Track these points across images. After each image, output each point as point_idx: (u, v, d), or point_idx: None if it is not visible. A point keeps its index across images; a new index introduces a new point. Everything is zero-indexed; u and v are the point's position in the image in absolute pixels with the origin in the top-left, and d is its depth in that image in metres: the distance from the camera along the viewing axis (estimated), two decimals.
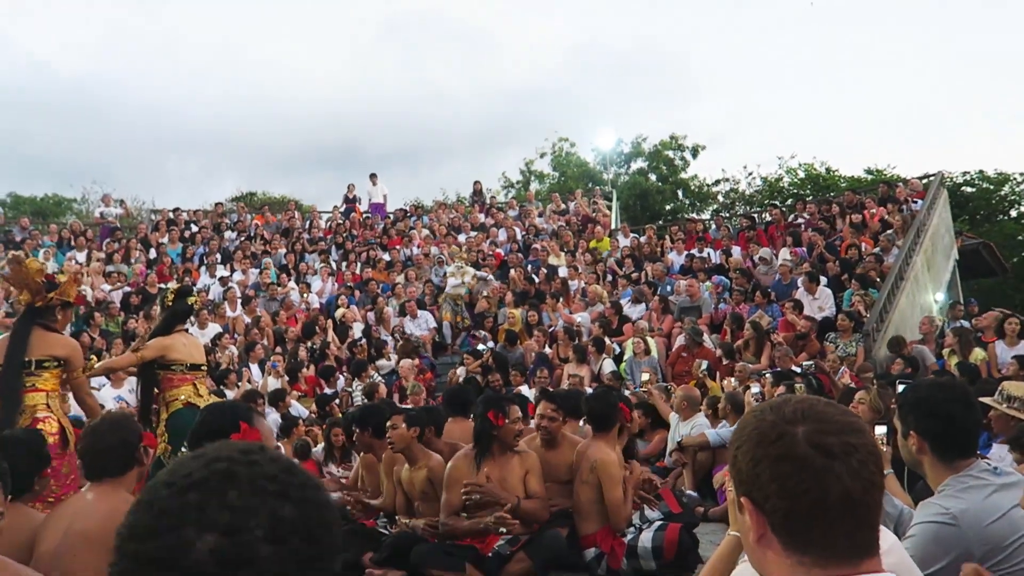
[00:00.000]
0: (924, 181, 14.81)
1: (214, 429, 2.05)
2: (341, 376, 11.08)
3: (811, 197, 20.01)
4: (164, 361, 5.39)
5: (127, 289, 14.07)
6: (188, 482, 0.84)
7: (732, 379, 8.41)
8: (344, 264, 16.06)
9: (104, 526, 2.52)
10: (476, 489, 4.42)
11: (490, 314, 12.71)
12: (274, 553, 0.80)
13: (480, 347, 11.29)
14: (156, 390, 5.43)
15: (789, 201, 16.46)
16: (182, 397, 5.29)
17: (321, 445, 7.90)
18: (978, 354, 8.55)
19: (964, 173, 26.36)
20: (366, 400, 9.27)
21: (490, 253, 15.44)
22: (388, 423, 5.02)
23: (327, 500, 0.89)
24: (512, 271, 14.03)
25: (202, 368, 5.56)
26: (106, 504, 2.64)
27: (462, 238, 16.82)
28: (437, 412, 5.88)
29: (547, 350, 11.16)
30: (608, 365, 10.38)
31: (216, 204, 20.20)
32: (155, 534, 0.81)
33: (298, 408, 9.86)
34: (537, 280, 13.60)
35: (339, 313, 13.19)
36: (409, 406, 7.57)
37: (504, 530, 4.32)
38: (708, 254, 13.72)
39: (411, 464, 4.99)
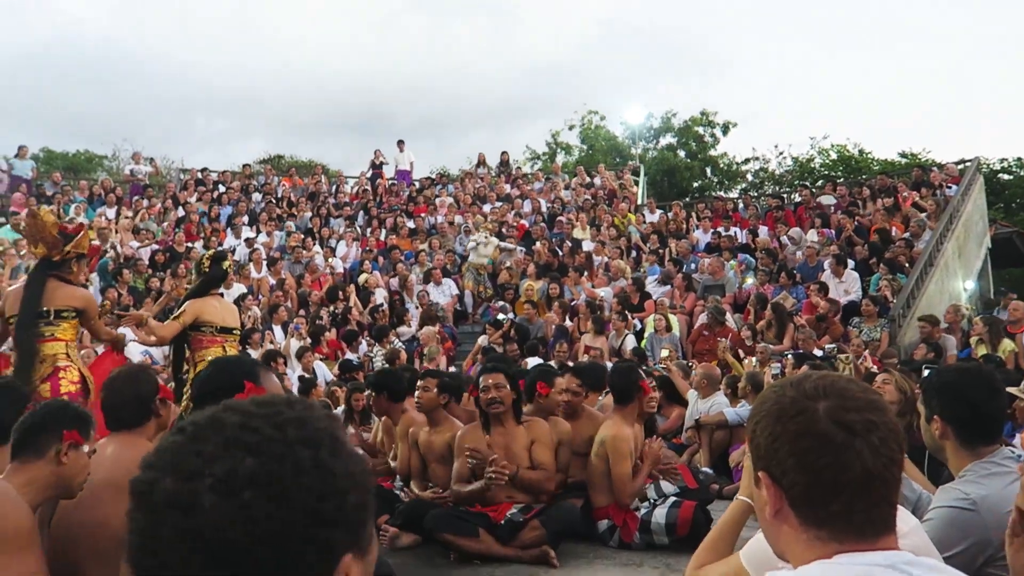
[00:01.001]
0: (960, 167, 14.49)
1: (218, 386, 2.05)
2: (363, 341, 11.22)
3: (842, 179, 19.68)
4: (196, 323, 5.50)
5: (155, 247, 14.27)
6: (190, 426, 0.86)
7: (753, 359, 8.37)
8: (369, 230, 16.18)
9: (124, 475, 2.55)
10: (475, 454, 4.45)
11: (511, 285, 12.75)
12: (217, 504, 0.78)
13: (500, 316, 11.33)
14: (188, 350, 5.57)
15: (820, 183, 16.18)
16: (208, 358, 5.33)
17: (341, 408, 8.02)
18: (1007, 345, 8.38)
19: (1001, 160, 25.78)
20: (387, 365, 9.36)
21: (514, 224, 15.46)
22: (420, 383, 5.08)
23: (317, 461, 0.82)
24: (536, 243, 14.05)
25: (234, 332, 5.67)
26: (126, 453, 2.67)
27: (487, 208, 16.84)
28: (462, 381, 5.96)
29: (567, 323, 11.21)
30: (630, 341, 10.43)
31: (244, 166, 20.37)
32: (145, 468, 0.83)
33: (322, 368, 10.06)
34: (561, 253, 13.62)
35: (362, 278, 13.33)
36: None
37: (510, 498, 4.35)
38: (734, 233, 13.63)
39: (432, 426, 5.04)
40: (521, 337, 10.61)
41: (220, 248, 11.95)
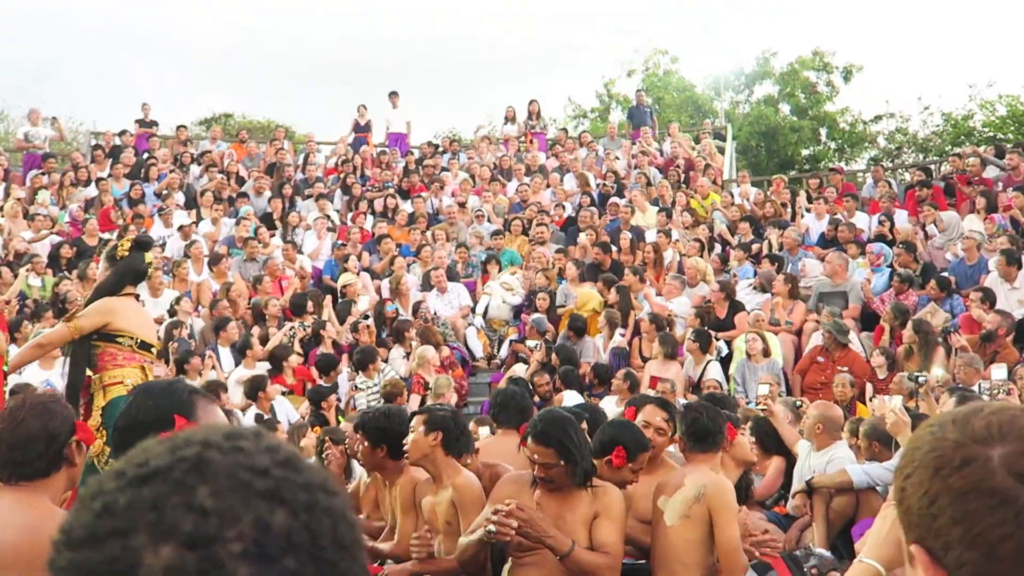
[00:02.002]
0: None
1: (138, 422, 2.07)
2: (344, 369, 11.32)
3: (1014, 143, 19.47)
4: (107, 331, 5.51)
5: (57, 238, 14.50)
6: (145, 472, 0.84)
7: (886, 398, 8.30)
8: (349, 216, 16.34)
9: (18, 545, 2.57)
10: (516, 513, 4.38)
11: (545, 289, 12.79)
12: None
13: (530, 343, 11.56)
14: (90, 370, 5.54)
15: (983, 148, 16.00)
16: (128, 381, 5.38)
17: (311, 460, 8.06)
18: None
19: None
20: (383, 403, 9.40)
21: (550, 211, 15.50)
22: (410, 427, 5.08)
23: (344, 510, 0.88)
24: (581, 236, 14.06)
25: (152, 350, 5.69)
26: (22, 515, 2.67)
27: (512, 187, 16.93)
28: (460, 421, 5.96)
29: (616, 341, 11.36)
30: (713, 369, 10.42)
31: (178, 128, 20.52)
32: (96, 540, 0.80)
33: (285, 406, 10.20)
34: (616, 249, 13.64)
35: (343, 280, 13.44)
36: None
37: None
38: (861, 219, 13.56)
39: (435, 482, 4.99)
40: (565, 363, 10.68)
41: (145, 234, 12.10)
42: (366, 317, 12.52)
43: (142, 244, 5.81)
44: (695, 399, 7.57)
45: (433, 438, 4.90)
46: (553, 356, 10.91)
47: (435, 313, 12.73)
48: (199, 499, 0.81)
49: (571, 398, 9.41)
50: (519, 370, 11.09)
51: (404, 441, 5.10)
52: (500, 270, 13.97)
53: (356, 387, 10.74)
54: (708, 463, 4.75)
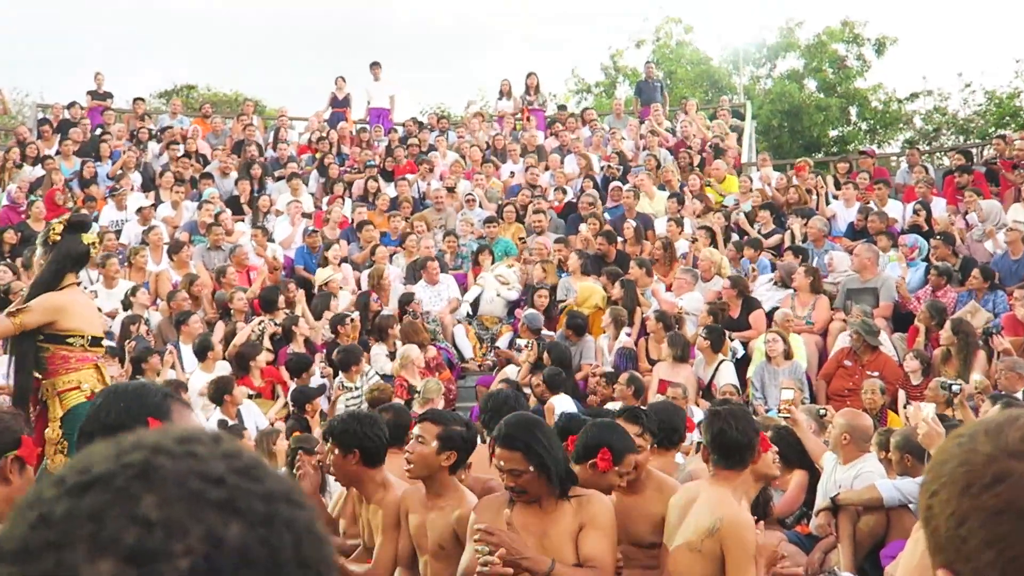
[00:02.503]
0: None
1: (106, 426, 2.06)
2: (317, 369, 11.29)
3: None
4: (54, 330, 5.50)
5: None
6: (86, 479, 0.83)
7: (922, 406, 8.31)
8: (325, 200, 16.33)
9: None
10: (486, 537, 4.37)
11: (545, 286, 12.86)
12: None
13: (520, 342, 11.60)
14: (38, 374, 5.53)
15: None
16: (84, 386, 5.39)
17: (282, 471, 8.05)
18: None
19: None
20: (365, 408, 9.39)
21: (548, 196, 15.48)
22: (415, 432, 5.01)
23: (310, 524, 0.88)
24: (582, 226, 14.04)
25: (102, 344, 5.70)
26: None
27: (509, 169, 16.89)
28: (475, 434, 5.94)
29: (622, 341, 11.35)
30: (727, 372, 10.47)
31: (135, 101, 20.51)
32: (29, 553, 0.80)
33: (253, 410, 10.17)
34: (622, 239, 13.68)
35: (322, 276, 13.38)
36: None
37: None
38: (894, 208, 13.57)
39: (430, 499, 4.97)
40: (557, 364, 10.63)
41: (80, 213, 11.99)
42: (348, 315, 12.40)
43: (76, 225, 5.73)
44: (708, 405, 7.58)
45: (446, 458, 4.90)
46: (545, 356, 10.85)
47: (425, 310, 12.75)
48: (143, 509, 0.80)
49: (562, 403, 9.40)
50: (511, 372, 11.15)
51: (413, 435, 5.09)
52: (493, 261, 13.98)
53: (343, 385, 10.78)
54: (733, 482, 4.69)
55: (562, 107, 21.66)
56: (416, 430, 5.04)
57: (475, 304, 13.56)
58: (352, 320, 12.16)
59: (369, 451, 5.13)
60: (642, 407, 7.28)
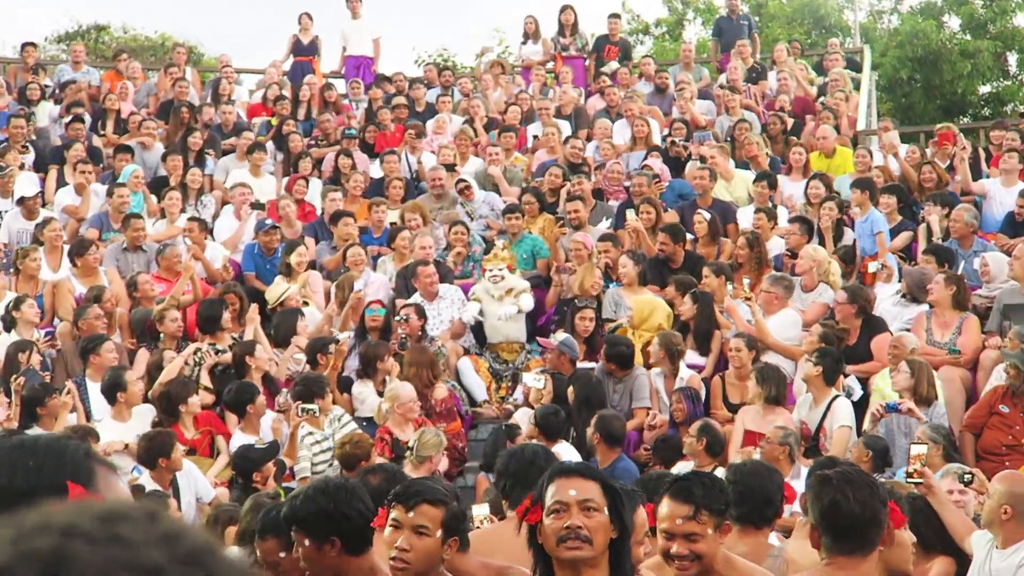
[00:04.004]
0: None
1: (11, 490, 2.05)
2: (271, 414, 11.27)
3: None
4: None
5: None
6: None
7: None
8: (286, 180, 16.28)
9: None
10: None
11: (589, 304, 12.68)
12: None
13: (528, 378, 11.60)
14: None
15: None
16: None
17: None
18: None
19: None
20: (341, 470, 9.41)
21: (589, 175, 15.38)
22: (412, 520, 4.98)
23: None
24: (630, 214, 13.95)
25: None
26: None
27: (534, 131, 16.79)
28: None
29: (684, 377, 11.39)
30: (842, 411, 10.35)
31: (24, 47, 20.45)
32: None
33: (192, 477, 10.08)
34: (692, 236, 13.59)
35: (274, 290, 13.28)
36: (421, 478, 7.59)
37: None
38: None
39: None
40: (559, 407, 10.71)
41: None
42: (333, 340, 12.33)
43: None
44: (811, 463, 7.48)
45: (450, 546, 4.95)
46: (569, 392, 10.90)
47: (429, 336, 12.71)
48: None
49: (565, 455, 9.32)
50: (522, 419, 11.18)
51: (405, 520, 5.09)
52: (515, 267, 13.78)
53: (304, 411, 10.72)
54: (853, 573, 4.71)
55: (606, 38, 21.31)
56: (413, 517, 5.02)
57: (478, 331, 13.49)
58: (339, 346, 12.19)
59: (352, 536, 5.11)
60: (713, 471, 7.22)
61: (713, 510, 5.29)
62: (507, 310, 13.02)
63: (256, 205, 15.65)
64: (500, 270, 13.40)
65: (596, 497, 4.38)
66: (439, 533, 4.89)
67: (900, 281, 12.55)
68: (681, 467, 9.74)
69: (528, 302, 13.26)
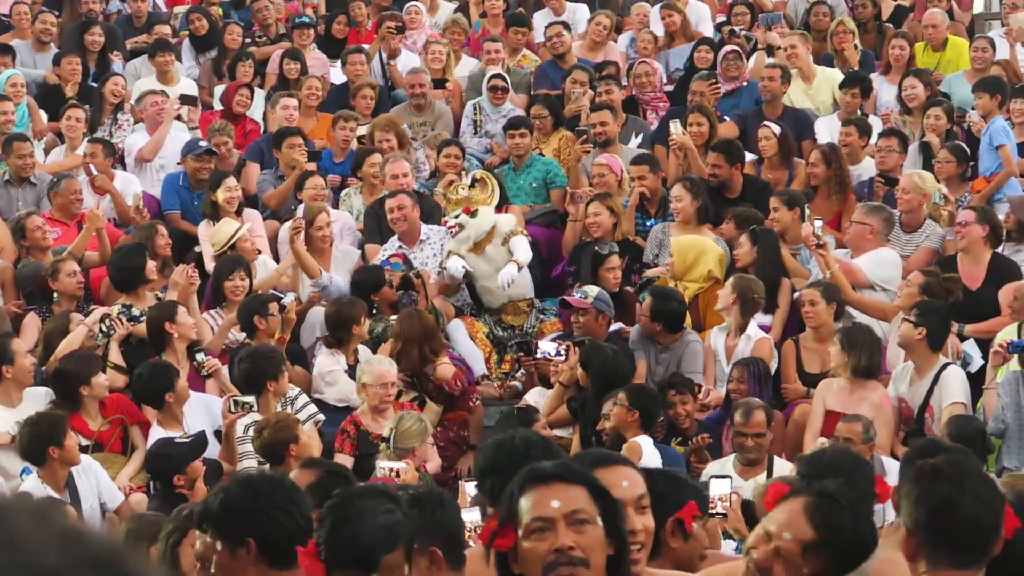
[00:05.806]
0: None
1: None
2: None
3: None
4: None
5: None
6: None
7: None
8: (217, 91, 16.74)
9: None
10: None
11: (610, 247, 12.92)
12: None
13: (548, 347, 11.83)
14: None
15: None
16: None
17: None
18: None
19: None
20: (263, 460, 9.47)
21: (621, 79, 15.46)
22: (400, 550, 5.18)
23: None
24: (674, 125, 14.02)
25: None
26: None
27: (542, 29, 16.97)
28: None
29: (752, 337, 11.45)
30: (954, 384, 10.78)
31: None
32: None
33: (93, 476, 10.34)
34: (754, 156, 13.85)
35: (221, 231, 13.46)
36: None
37: None
38: None
39: None
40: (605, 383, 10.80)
41: None
42: (277, 297, 12.46)
43: None
44: (909, 451, 7.56)
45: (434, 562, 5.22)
46: (580, 370, 11.17)
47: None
48: None
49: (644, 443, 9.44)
50: (534, 399, 11.20)
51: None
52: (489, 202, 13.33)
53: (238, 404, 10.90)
54: None
55: None
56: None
57: (471, 290, 13.40)
58: (285, 308, 12.24)
59: (271, 542, 5.28)
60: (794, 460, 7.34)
61: None
62: (507, 273, 12.88)
63: (179, 118, 15.56)
64: (456, 217, 13.24)
65: (585, 506, 4.36)
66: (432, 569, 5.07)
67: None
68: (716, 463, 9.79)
69: (523, 249, 13.02)
